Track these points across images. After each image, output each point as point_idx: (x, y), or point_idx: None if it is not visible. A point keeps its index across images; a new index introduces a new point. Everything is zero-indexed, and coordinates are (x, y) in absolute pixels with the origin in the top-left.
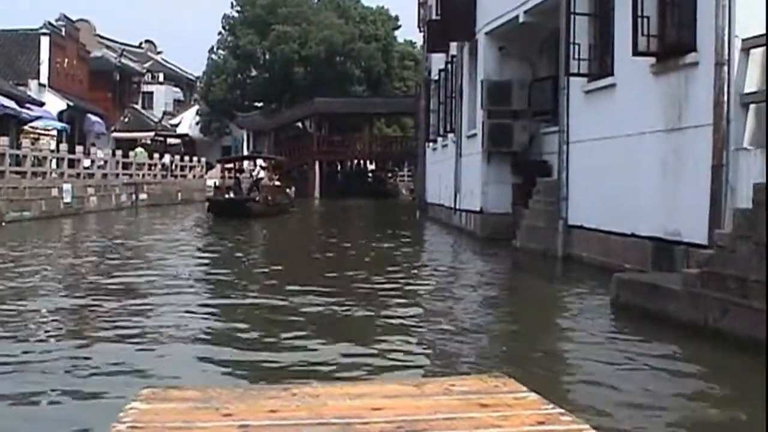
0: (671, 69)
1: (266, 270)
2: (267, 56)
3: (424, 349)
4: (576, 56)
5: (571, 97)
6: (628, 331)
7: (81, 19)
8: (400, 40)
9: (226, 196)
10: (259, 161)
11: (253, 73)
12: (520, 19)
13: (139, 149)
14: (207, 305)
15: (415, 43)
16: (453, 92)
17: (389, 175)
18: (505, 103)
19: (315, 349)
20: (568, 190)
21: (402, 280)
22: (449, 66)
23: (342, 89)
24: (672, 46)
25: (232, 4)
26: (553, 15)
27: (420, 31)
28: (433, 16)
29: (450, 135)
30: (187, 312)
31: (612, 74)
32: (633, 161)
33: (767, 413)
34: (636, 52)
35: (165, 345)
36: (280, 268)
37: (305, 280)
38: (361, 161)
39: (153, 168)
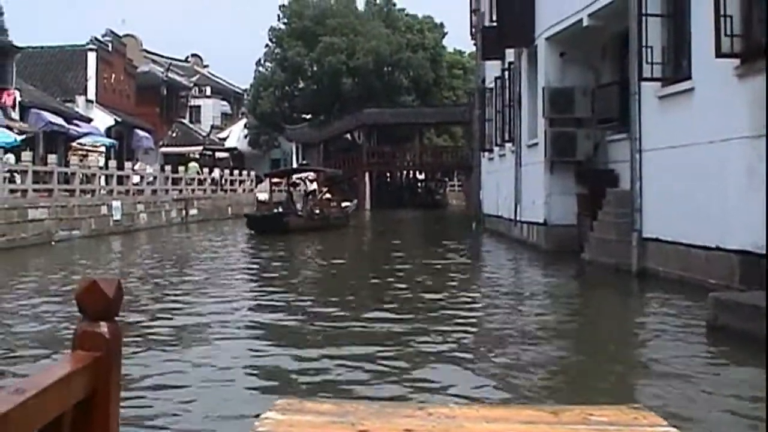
0: (757, 71)
1: (335, 296)
2: (315, 68)
3: (525, 378)
4: (649, 60)
5: (643, 103)
6: (736, 358)
7: (127, 35)
8: (449, 49)
9: (275, 211)
10: (309, 174)
11: (301, 84)
12: (584, 23)
13: (192, 164)
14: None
15: (463, 51)
16: (511, 100)
17: (438, 185)
18: (567, 110)
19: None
20: (642, 201)
21: (472, 303)
22: (506, 73)
23: (391, 99)
24: (758, 46)
25: (278, 16)
26: (619, 18)
27: (472, 40)
28: (487, 23)
29: (508, 144)
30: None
31: (689, 78)
32: (716, 170)
33: (767, 413)
34: (719, 54)
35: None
36: (349, 296)
37: (371, 302)
38: (411, 172)
39: (203, 183)
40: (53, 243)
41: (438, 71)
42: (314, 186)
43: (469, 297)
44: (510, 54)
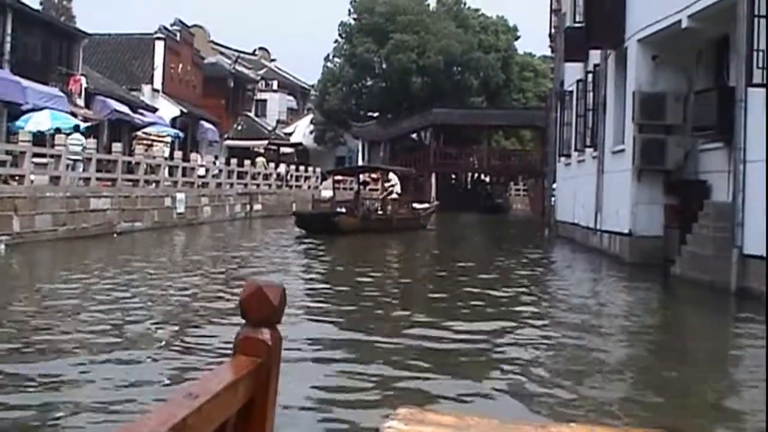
0: None
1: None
2: (384, 65)
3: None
4: (760, 65)
5: (749, 111)
6: None
7: (195, 25)
8: (519, 51)
9: (338, 210)
10: (389, 174)
11: (369, 82)
12: (683, 24)
13: (260, 159)
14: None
15: (534, 54)
16: (595, 104)
17: (503, 189)
18: (658, 116)
19: None
20: (744, 215)
21: (558, 323)
22: (590, 76)
23: (459, 100)
24: None
25: (349, 11)
26: (721, 20)
27: (550, 42)
28: (568, 23)
29: (589, 150)
30: None
31: None
32: None
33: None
34: None
35: None
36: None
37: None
38: (477, 174)
39: (268, 178)
40: (115, 234)
41: (509, 73)
42: (396, 186)
43: (550, 318)
44: (595, 56)
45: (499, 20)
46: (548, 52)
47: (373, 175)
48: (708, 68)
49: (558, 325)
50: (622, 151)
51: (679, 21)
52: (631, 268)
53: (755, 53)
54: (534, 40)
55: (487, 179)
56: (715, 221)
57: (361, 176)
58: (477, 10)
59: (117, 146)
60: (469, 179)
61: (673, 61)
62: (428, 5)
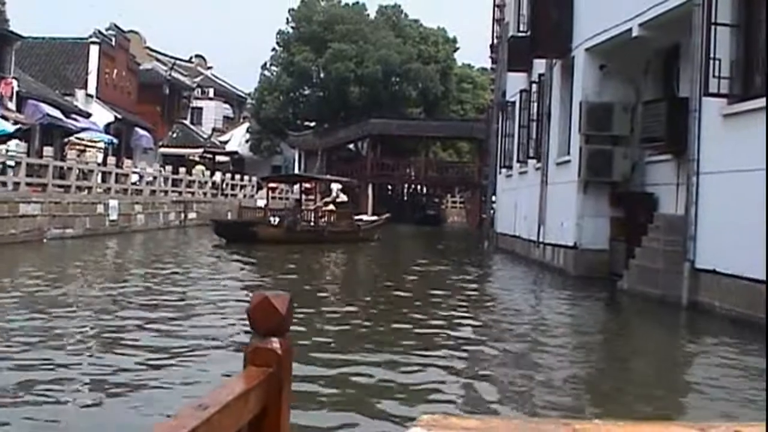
0: None
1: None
2: (321, 74)
3: None
4: (716, 74)
5: (704, 122)
6: None
7: (131, 31)
8: (458, 63)
9: (270, 219)
10: (335, 185)
11: (307, 91)
12: (634, 33)
13: (199, 167)
14: None
15: (472, 66)
16: (540, 114)
17: (438, 200)
18: (605, 127)
19: None
20: (696, 228)
21: (500, 339)
22: (534, 86)
23: (397, 111)
24: None
25: (287, 19)
26: (673, 29)
27: (491, 52)
28: (512, 33)
29: (532, 161)
30: None
31: (762, 95)
32: None
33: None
34: None
35: None
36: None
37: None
38: (413, 186)
39: (203, 186)
40: (45, 241)
41: (447, 84)
42: (341, 196)
43: (492, 330)
44: (540, 65)
45: (438, 31)
46: (487, 64)
47: (307, 185)
48: (656, 78)
49: (500, 342)
50: (568, 162)
51: (630, 29)
52: (575, 282)
53: (712, 62)
54: (472, 52)
55: (424, 190)
56: (666, 234)
57: (297, 186)
58: (416, 20)
59: (48, 150)
60: (405, 191)
61: (621, 71)
62: (367, 15)
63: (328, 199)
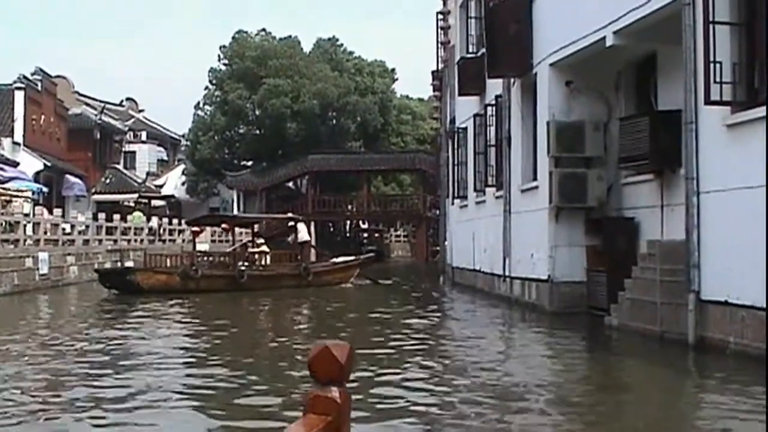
0: None
1: None
2: (257, 111)
3: None
4: (717, 79)
5: (702, 135)
6: None
7: (59, 76)
8: (397, 94)
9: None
10: (301, 224)
11: (242, 129)
12: (608, 42)
13: (137, 213)
14: None
15: (411, 97)
16: (498, 139)
17: (379, 235)
18: (577, 148)
19: None
20: (700, 255)
21: (476, 399)
22: (490, 109)
23: (337, 145)
24: None
25: (219, 56)
26: (651, 36)
27: (433, 79)
28: (460, 55)
29: (491, 190)
30: None
31: None
32: None
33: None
34: None
35: None
36: None
37: None
38: (356, 221)
39: (139, 232)
40: None
41: (386, 116)
42: (304, 234)
43: (469, 389)
44: (495, 86)
45: (375, 62)
46: (426, 94)
47: (224, 225)
48: (629, 93)
49: (477, 404)
50: (535, 188)
51: (603, 38)
52: (552, 319)
53: (712, 65)
54: (410, 83)
55: (365, 226)
56: (663, 263)
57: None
58: (352, 52)
59: None
60: (348, 227)
61: (590, 87)
62: (301, 48)
63: (260, 240)
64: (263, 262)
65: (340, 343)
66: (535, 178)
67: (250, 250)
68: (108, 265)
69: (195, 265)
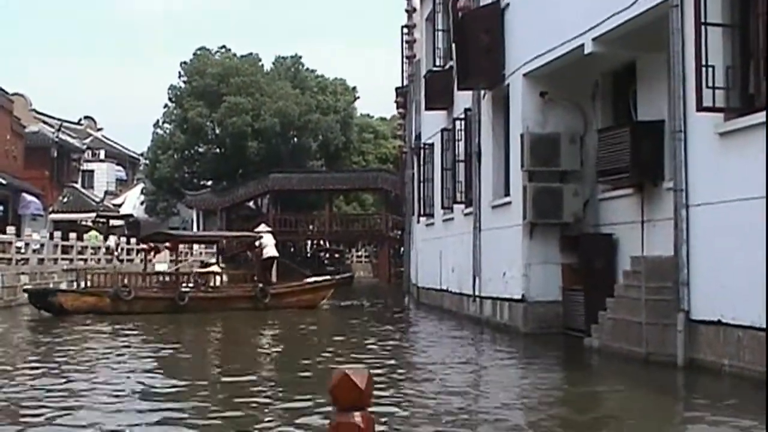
0: None
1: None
2: (217, 130)
3: None
4: (710, 84)
5: (691, 144)
6: None
7: (16, 93)
8: (358, 113)
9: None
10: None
11: (202, 148)
12: (587, 49)
13: (93, 232)
14: None
15: (372, 116)
16: (468, 154)
17: (339, 255)
18: (552, 162)
19: None
20: (689, 272)
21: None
22: (458, 123)
23: (298, 164)
24: None
25: (179, 73)
26: (632, 43)
27: (397, 95)
28: (425, 69)
29: (459, 206)
30: None
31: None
32: None
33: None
34: None
35: None
36: None
37: None
38: (318, 241)
39: (96, 252)
40: None
41: (348, 135)
42: (270, 249)
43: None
44: (464, 99)
45: (337, 81)
46: (387, 114)
47: (167, 244)
48: (607, 103)
49: None
50: (507, 204)
51: (581, 46)
52: (527, 340)
53: (704, 70)
54: (371, 102)
55: (327, 246)
56: (649, 281)
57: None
58: (314, 70)
59: None
60: (309, 247)
61: (565, 98)
62: (262, 66)
63: (211, 260)
64: (213, 283)
65: (359, 369)
66: (507, 194)
67: (197, 270)
68: (64, 285)
69: (127, 286)
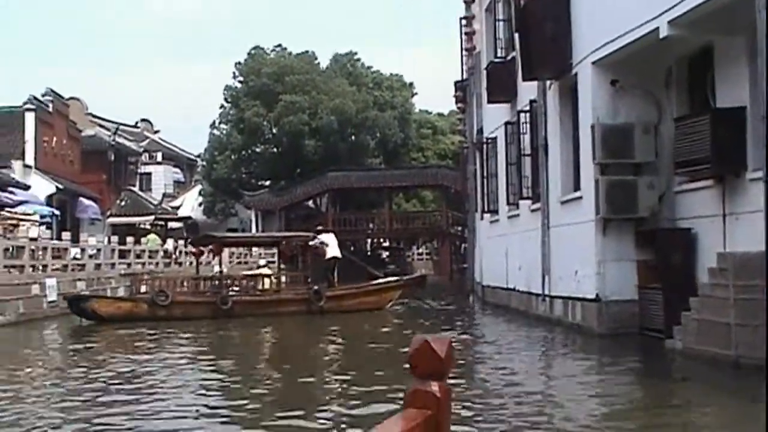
0: None
1: None
2: (274, 129)
3: None
4: None
5: None
6: None
7: (72, 98)
8: (416, 108)
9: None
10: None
11: (259, 148)
12: (662, 33)
13: (152, 236)
14: None
15: (430, 111)
16: (534, 147)
17: (400, 253)
18: (625, 153)
19: None
20: None
21: None
22: (523, 115)
23: (356, 162)
24: None
25: (234, 74)
26: (709, 26)
27: (456, 90)
28: (486, 61)
29: (525, 202)
30: None
31: None
32: None
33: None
34: None
35: None
36: None
37: None
38: (378, 240)
39: (155, 255)
40: None
41: (406, 131)
42: (334, 252)
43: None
44: (529, 91)
45: (394, 77)
46: (445, 109)
47: (211, 247)
48: (682, 90)
49: None
50: (578, 199)
51: (656, 29)
52: (602, 342)
53: None
54: (428, 98)
55: (387, 244)
56: (737, 278)
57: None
58: (370, 67)
59: None
60: (369, 246)
61: (637, 86)
62: (318, 63)
63: (261, 262)
64: (262, 286)
65: (440, 337)
66: (577, 188)
67: (244, 272)
68: (122, 291)
69: (164, 291)
